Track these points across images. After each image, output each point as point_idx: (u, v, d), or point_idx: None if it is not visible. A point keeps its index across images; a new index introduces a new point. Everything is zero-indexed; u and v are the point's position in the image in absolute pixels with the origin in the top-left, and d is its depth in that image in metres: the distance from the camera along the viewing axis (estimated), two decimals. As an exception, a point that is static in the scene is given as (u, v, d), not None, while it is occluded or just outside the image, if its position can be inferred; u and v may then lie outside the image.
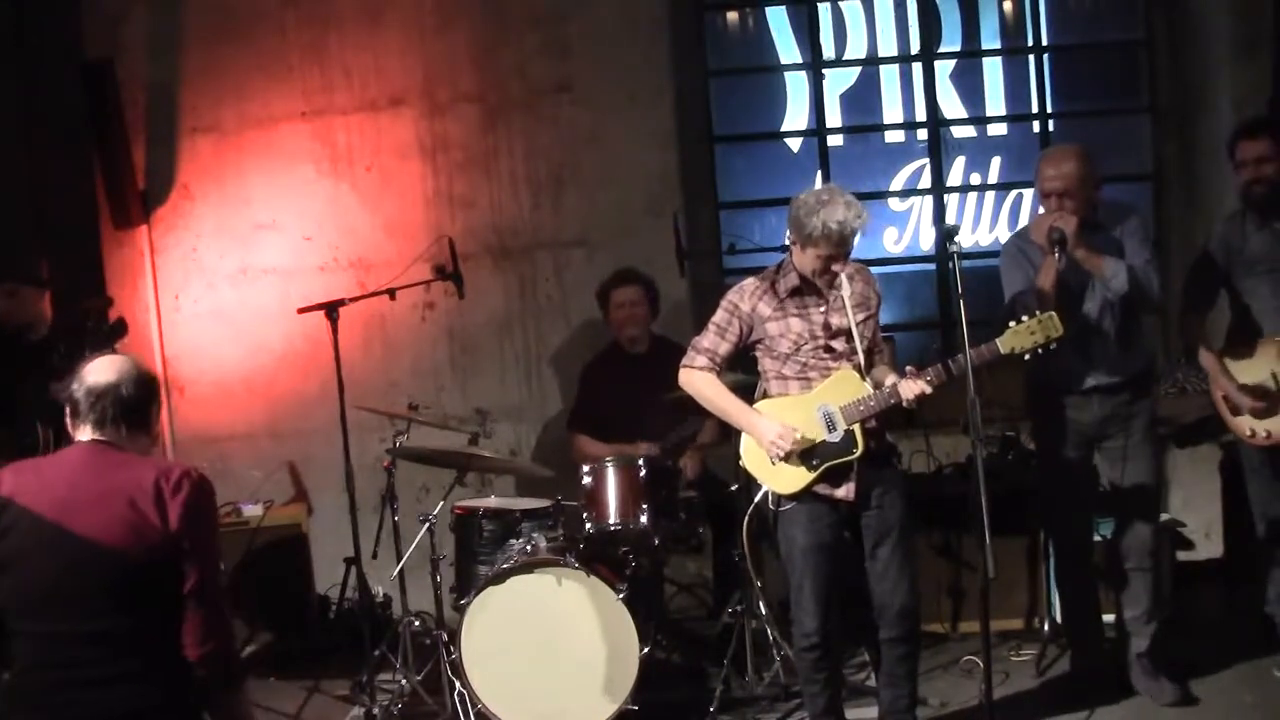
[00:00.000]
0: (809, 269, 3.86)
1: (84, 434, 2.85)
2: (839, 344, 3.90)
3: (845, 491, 3.89)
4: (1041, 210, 4.34)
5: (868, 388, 3.84)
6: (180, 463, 2.86)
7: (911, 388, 3.76)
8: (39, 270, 5.22)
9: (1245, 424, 4.40)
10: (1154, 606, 4.38)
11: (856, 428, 3.83)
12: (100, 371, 2.87)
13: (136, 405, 2.88)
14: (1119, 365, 4.27)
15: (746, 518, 4.03)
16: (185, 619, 2.75)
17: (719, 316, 3.99)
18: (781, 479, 3.90)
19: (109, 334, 5.25)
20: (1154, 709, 4.34)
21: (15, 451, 4.24)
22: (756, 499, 3.98)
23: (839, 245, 3.79)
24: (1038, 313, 3.78)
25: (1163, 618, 4.41)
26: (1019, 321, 3.77)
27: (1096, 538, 4.77)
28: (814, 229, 3.76)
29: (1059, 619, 4.92)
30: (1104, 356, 4.25)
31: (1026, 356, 3.80)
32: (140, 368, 2.93)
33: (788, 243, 3.96)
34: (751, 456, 3.97)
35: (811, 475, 3.86)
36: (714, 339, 3.98)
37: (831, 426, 3.84)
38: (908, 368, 3.82)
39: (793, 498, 3.90)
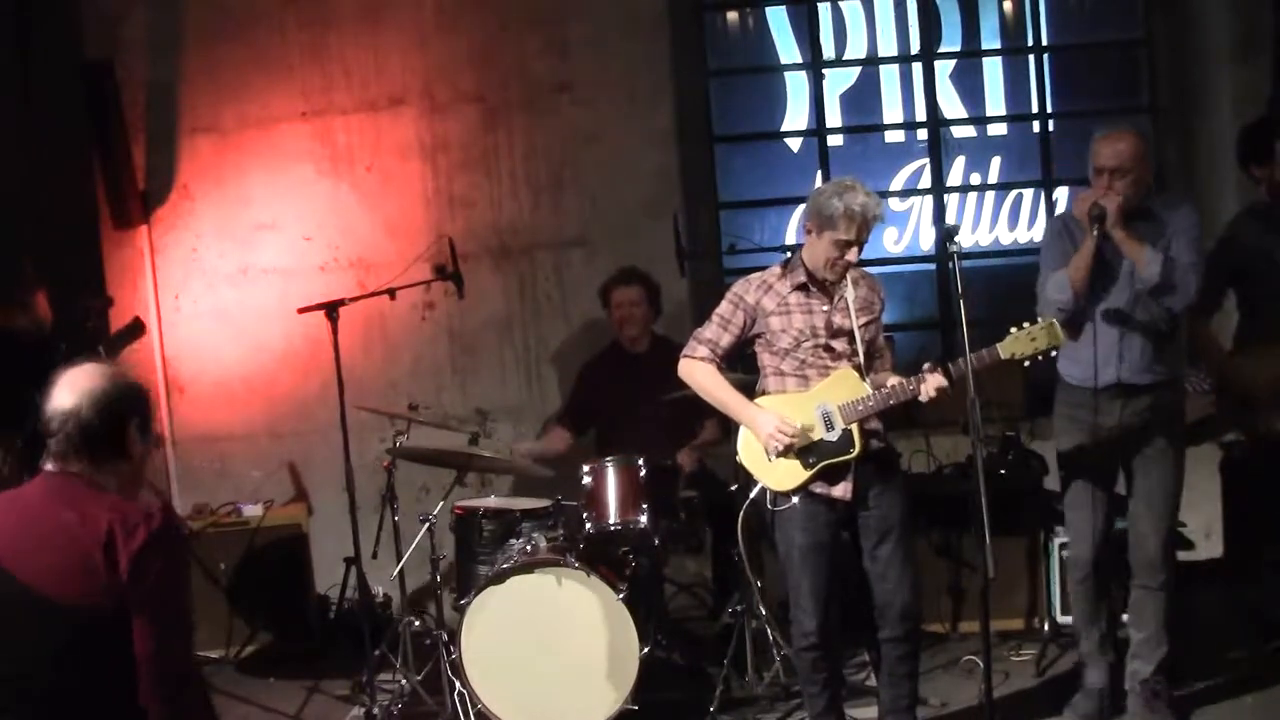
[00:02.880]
0: (823, 259, 3.84)
1: (47, 464, 2.51)
2: (839, 344, 3.91)
3: (842, 490, 3.89)
4: (1089, 189, 4.09)
5: (867, 388, 3.84)
6: (146, 504, 2.48)
7: (934, 381, 3.75)
8: (27, 268, 5.20)
9: (1259, 422, 4.38)
10: (1163, 633, 4.22)
11: (854, 427, 3.83)
12: (61, 393, 2.50)
13: (100, 434, 2.48)
14: (1149, 366, 4.06)
15: (742, 516, 4.04)
16: (141, 674, 2.40)
17: (723, 308, 4.00)
18: (777, 476, 3.90)
19: (125, 335, 5.24)
20: (1154, 709, 4.33)
21: (21, 452, 4.24)
22: (753, 494, 3.98)
23: (860, 230, 3.79)
24: (1039, 319, 3.77)
25: (1171, 644, 4.24)
26: (1020, 327, 3.76)
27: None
28: (835, 210, 3.77)
29: (1059, 619, 4.91)
30: (1135, 353, 4.04)
31: (1026, 363, 3.78)
32: (106, 387, 2.51)
33: (803, 232, 3.95)
34: (748, 452, 3.97)
35: (807, 473, 3.86)
36: (716, 330, 3.98)
37: (830, 425, 3.84)
38: (925, 365, 3.81)
39: (788, 495, 3.90)
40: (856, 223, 3.77)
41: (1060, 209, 6.22)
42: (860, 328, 3.89)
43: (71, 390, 2.49)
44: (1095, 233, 3.93)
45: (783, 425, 3.82)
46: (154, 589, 2.41)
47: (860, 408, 3.82)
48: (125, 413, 2.52)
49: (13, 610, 2.40)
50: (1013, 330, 3.77)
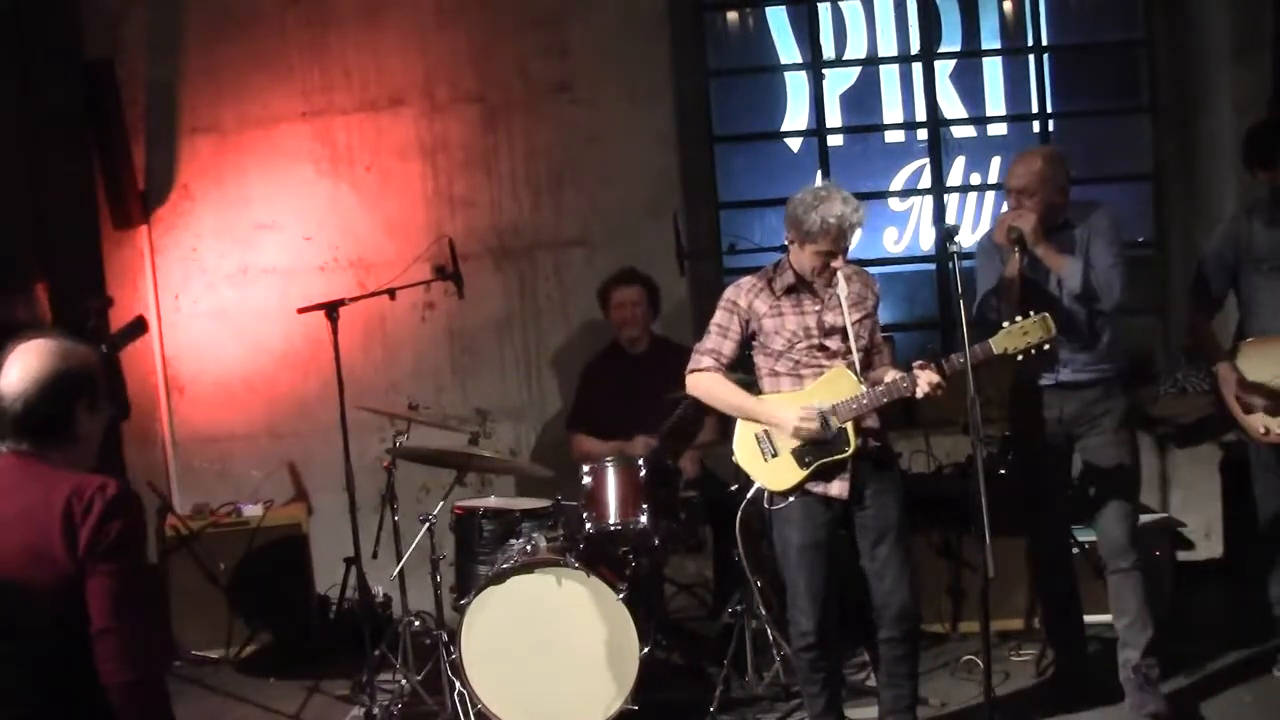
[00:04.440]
0: (808, 267, 3.86)
1: (4, 444, 2.49)
2: (833, 343, 3.91)
3: (839, 489, 3.89)
4: (1004, 208, 4.37)
5: (862, 386, 3.84)
6: (101, 478, 2.44)
7: (927, 378, 3.76)
8: (32, 265, 5.20)
9: (1259, 422, 4.41)
10: (1146, 615, 4.24)
11: (849, 426, 3.83)
12: (10, 371, 2.46)
13: (45, 419, 2.45)
14: (1089, 364, 4.24)
15: (739, 515, 4.04)
16: (98, 648, 2.36)
17: (719, 317, 3.99)
18: (773, 475, 3.90)
19: (127, 333, 5.25)
20: (1154, 709, 4.34)
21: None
22: (750, 494, 3.99)
23: (838, 240, 3.79)
24: (1031, 314, 3.79)
25: (1156, 625, 4.25)
26: (1013, 322, 3.78)
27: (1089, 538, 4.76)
28: (812, 225, 3.77)
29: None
30: (1074, 354, 4.21)
31: (1020, 358, 3.81)
32: (53, 369, 2.46)
33: (786, 242, 3.96)
34: (744, 452, 3.97)
35: (803, 473, 3.86)
36: (717, 339, 3.98)
37: (825, 424, 3.84)
38: (916, 362, 3.81)
39: (784, 494, 3.90)
40: (833, 234, 3.77)
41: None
42: (854, 324, 3.89)
43: (20, 370, 2.45)
44: (1018, 253, 4.11)
45: (806, 413, 3.80)
46: (108, 554, 2.37)
47: (855, 406, 3.82)
48: (72, 396, 2.48)
49: None
50: (1005, 325, 3.79)
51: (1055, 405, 4.28)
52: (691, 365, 4.02)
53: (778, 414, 3.88)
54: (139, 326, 5.32)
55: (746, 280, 4.01)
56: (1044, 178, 4.17)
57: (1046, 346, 3.81)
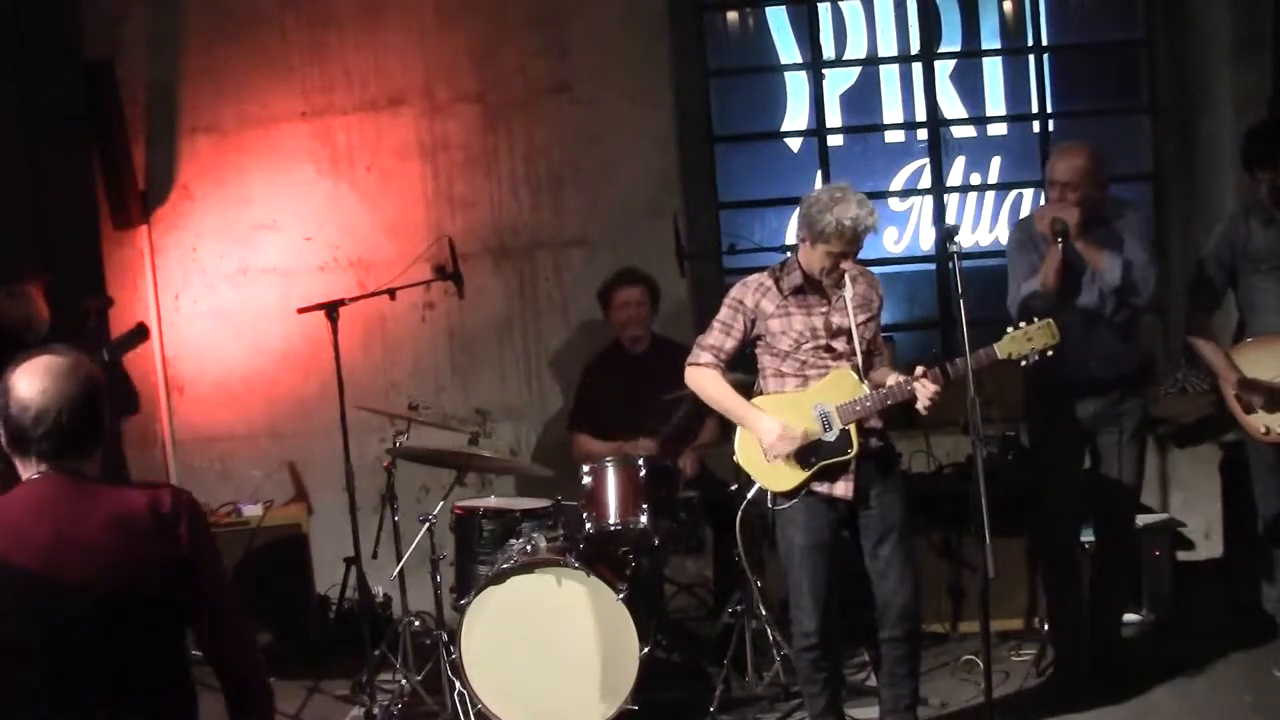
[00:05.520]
0: (818, 267, 3.86)
1: (34, 468, 2.43)
2: (839, 344, 3.91)
3: (843, 490, 3.89)
4: (1044, 200, 4.42)
5: (865, 388, 3.84)
6: (162, 485, 2.51)
7: (928, 390, 3.76)
8: (31, 264, 5.19)
9: (1259, 422, 4.41)
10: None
11: (852, 428, 3.83)
12: (35, 391, 2.40)
13: (87, 431, 2.44)
14: (1116, 359, 4.32)
15: (739, 516, 4.04)
16: (228, 649, 2.49)
17: (724, 314, 4.00)
18: (775, 477, 3.91)
19: (129, 340, 5.23)
20: (1154, 708, 4.34)
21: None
22: (750, 494, 3.99)
23: (851, 243, 3.80)
24: (1035, 319, 3.80)
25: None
26: (1017, 327, 3.79)
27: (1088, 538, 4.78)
28: (826, 225, 3.76)
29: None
30: (1103, 348, 4.29)
31: (1023, 363, 3.81)
32: (83, 383, 2.44)
33: (797, 240, 3.96)
34: (746, 453, 3.97)
35: (805, 474, 3.87)
36: (719, 336, 3.98)
37: (827, 426, 3.84)
38: (919, 367, 3.81)
39: (787, 495, 3.90)
40: (846, 236, 3.78)
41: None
42: (858, 326, 3.89)
43: (46, 388, 2.41)
44: (1060, 245, 4.19)
45: (784, 435, 3.81)
46: (213, 561, 2.50)
47: (858, 408, 3.82)
48: (102, 403, 2.49)
49: (74, 613, 2.38)
50: (1009, 330, 3.80)
51: (1082, 404, 4.35)
52: (691, 359, 4.03)
53: (759, 425, 3.89)
54: (141, 333, 5.29)
55: (754, 279, 4.01)
56: (1087, 174, 4.25)
57: (1050, 353, 3.82)
